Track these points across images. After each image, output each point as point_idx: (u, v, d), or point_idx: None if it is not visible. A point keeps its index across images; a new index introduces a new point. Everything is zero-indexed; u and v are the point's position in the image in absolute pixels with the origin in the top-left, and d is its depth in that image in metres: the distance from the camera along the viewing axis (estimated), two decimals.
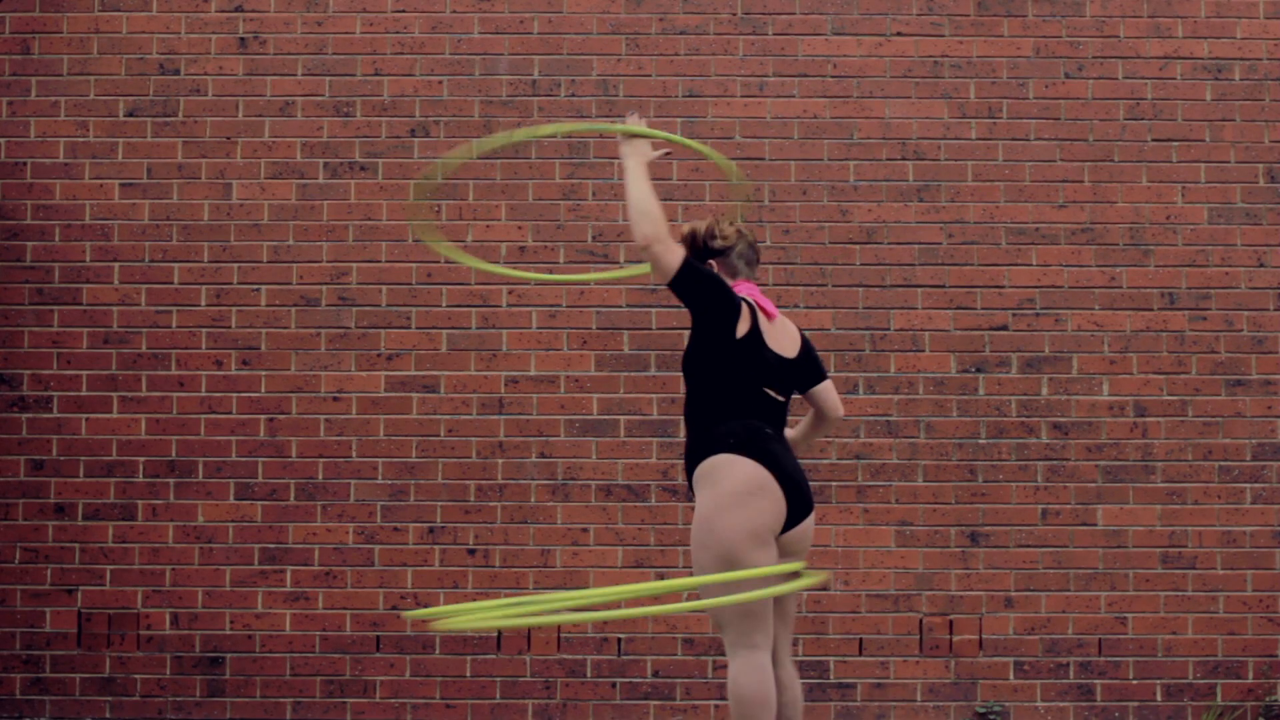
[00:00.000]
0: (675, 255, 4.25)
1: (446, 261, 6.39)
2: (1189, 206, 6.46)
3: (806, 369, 4.57)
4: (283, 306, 6.40)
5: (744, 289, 4.49)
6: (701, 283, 4.30)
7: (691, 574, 4.34)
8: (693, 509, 4.73)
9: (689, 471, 4.38)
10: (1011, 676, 6.29)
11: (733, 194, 6.23)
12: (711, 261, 4.53)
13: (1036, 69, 6.48)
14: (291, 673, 6.28)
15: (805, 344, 4.59)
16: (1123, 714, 6.27)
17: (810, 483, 6.28)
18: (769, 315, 4.49)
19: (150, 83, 6.47)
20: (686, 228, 4.56)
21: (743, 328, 4.36)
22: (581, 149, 6.45)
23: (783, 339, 4.51)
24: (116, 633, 6.27)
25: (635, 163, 4.35)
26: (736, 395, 4.36)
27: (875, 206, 6.44)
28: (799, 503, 4.34)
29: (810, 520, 4.42)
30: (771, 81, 6.48)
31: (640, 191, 4.28)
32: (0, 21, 6.50)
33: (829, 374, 5.17)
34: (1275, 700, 6.24)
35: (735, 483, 4.24)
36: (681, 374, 4.54)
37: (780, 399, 4.45)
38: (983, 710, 6.24)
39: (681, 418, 6.16)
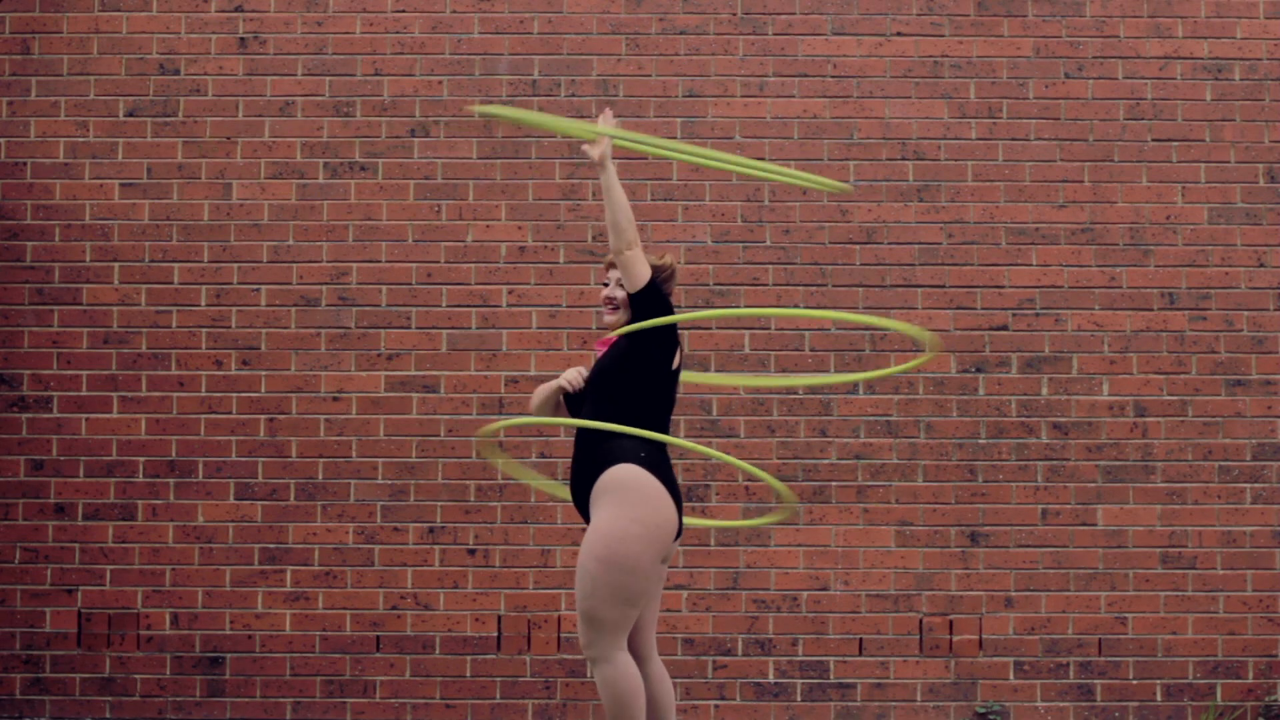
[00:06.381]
0: (646, 267, 4.47)
1: (447, 262, 6.40)
2: (1189, 206, 6.45)
3: None
4: (283, 306, 6.40)
5: None
6: (662, 305, 4.48)
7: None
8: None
9: (589, 481, 4.43)
10: (1011, 676, 6.29)
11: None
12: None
13: (1036, 69, 6.48)
14: (291, 673, 6.28)
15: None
16: (1123, 714, 6.27)
17: (810, 483, 6.33)
18: None
19: (150, 83, 6.47)
20: (668, 258, 4.65)
21: (675, 361, 4.54)
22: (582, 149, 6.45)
23: None
24: (116, 633, 6.27)
25: (613, 167, 4.47)
26: (652, 421, 4.49)
27: (875, 206, 6.44)
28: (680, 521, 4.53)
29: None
30: (771, 81, 6.48)
31: (622, 196, 4.46)
32: (0, 21, 6.50)
33: None
34: (1275, 700, 6.24)
35: (652, 508, 4.36)
36: (593, 385, 4.54)
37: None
38: (983, 710, 6.24)
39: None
